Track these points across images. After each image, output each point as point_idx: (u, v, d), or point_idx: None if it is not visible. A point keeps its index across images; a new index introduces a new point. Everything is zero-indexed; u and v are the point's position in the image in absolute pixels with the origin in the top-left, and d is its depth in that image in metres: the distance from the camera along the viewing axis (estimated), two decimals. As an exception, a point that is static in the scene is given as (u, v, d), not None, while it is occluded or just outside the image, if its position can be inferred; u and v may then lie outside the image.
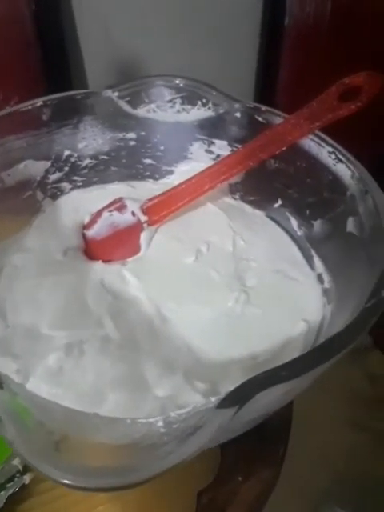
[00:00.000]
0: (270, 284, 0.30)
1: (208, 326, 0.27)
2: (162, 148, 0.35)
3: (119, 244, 0.31)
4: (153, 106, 0.32)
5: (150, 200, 0.31)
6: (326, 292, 0.28)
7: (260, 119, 0.30)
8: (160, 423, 0.17)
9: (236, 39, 0.73)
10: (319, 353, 0.19)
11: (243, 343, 0.26)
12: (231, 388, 0.17)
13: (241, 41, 0.73)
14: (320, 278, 0.29)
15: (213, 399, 0.17)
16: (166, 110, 0.32)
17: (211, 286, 0.29)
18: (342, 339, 0.19)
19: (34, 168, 0.31)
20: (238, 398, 0.17)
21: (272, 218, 0.34)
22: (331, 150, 0.28)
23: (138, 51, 0.67)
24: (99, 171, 0.34)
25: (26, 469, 0.26)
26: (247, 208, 0.35)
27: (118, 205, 0.32)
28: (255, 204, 0.35)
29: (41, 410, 0.17)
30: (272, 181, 0.33)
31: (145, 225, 0.31)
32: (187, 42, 0.70)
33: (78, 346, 0.24)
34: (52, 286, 0.28)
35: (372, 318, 0.20)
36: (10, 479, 0.26)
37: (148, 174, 0.36)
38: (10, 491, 0.26)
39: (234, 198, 0.35)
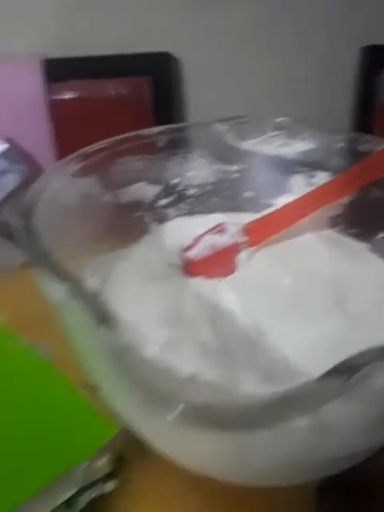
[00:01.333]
0: (376, 312, 0.28)
1: (309, 346, 0.25)
2: (262, 181, 0.36)
3: (217, 263, 0.32)
4: (256, 140, 0.34)
5: (251, 221, 0.32)
6: None
7: (362, 148, 0.31)
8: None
9: (330, 114, 0.77)
10: None
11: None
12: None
13: (334, 115, 0.77)
14: None
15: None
16: (268, 143, 0.34)
17: (311, 307, 0.28)
18: None
19: (146, 191, 0.34)
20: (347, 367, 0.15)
21: (376, 251, 0.33)
22: None
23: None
24: (202, 201, 0.36)
25: (112, 473, 0.25)
26: (348, 241, 0.34)
27: (219, 228, 0.33)
28: (357, 236, 0.34)
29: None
30: (375, 210, 0.32)
31: (244, 245, 0.32)
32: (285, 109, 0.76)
33: (177, 345, 0.24)
34: (154, 293, 0.29)
35: None
36: (93, 484, 0.24)
37: (248, 206, 0.37)
38: (89, 497, 0.24)
39: (335, 231, 0.35)
